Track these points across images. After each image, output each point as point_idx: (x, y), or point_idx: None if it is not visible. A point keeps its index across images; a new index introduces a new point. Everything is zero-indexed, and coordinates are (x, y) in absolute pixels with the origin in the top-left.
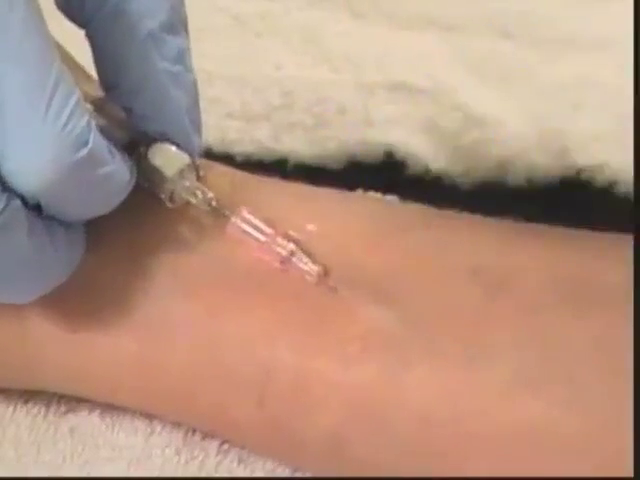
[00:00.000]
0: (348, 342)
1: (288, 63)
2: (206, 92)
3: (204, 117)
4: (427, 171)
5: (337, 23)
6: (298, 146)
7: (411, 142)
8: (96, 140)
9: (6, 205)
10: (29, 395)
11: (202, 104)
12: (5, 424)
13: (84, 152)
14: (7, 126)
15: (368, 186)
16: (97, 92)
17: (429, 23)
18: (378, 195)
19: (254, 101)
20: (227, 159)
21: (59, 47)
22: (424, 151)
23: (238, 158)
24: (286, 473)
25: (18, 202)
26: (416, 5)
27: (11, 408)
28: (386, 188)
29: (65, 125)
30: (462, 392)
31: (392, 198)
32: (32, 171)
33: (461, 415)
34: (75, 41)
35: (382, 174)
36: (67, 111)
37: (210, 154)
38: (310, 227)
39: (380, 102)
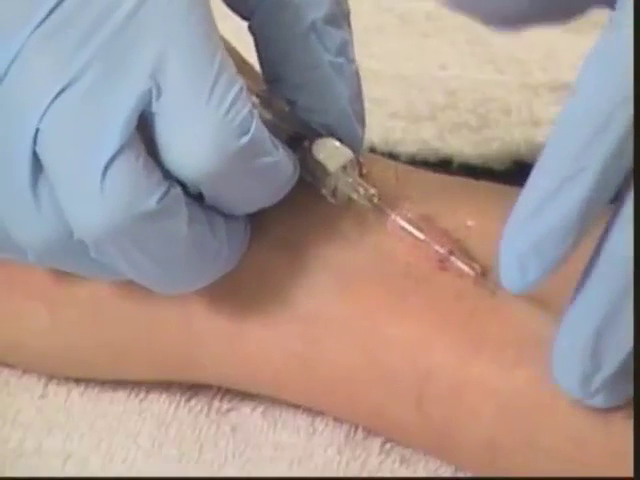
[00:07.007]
0: (504, 347)
1: (453, 63)
2: (371, 92)
3: (369, 117)
4: None
5: None
6: (463, 146)
7: None
8: (258, 129)
9: (166, 192)
10: (192, 393)
11: (367, 104)
12: (168, 423)
13: (245, 140)
14: (169, 111)
15: None
16: (263, 87)
17: (594, 25)
18: None
19: (419, 101)
20: (391, 158)
21: (226, 42)
22: None
23: (402, 158)
24: (448, 473)
25: (179, 190)
26: None
27: (173, 406)
28: None
29: (227, 111)
30: (612, 409)
31: None
32: (193, 157)
33: (611, 435)
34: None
35: None
36: (230, 98)
37: (374, 153)
38: (470, 223)
39: (545, 103)
